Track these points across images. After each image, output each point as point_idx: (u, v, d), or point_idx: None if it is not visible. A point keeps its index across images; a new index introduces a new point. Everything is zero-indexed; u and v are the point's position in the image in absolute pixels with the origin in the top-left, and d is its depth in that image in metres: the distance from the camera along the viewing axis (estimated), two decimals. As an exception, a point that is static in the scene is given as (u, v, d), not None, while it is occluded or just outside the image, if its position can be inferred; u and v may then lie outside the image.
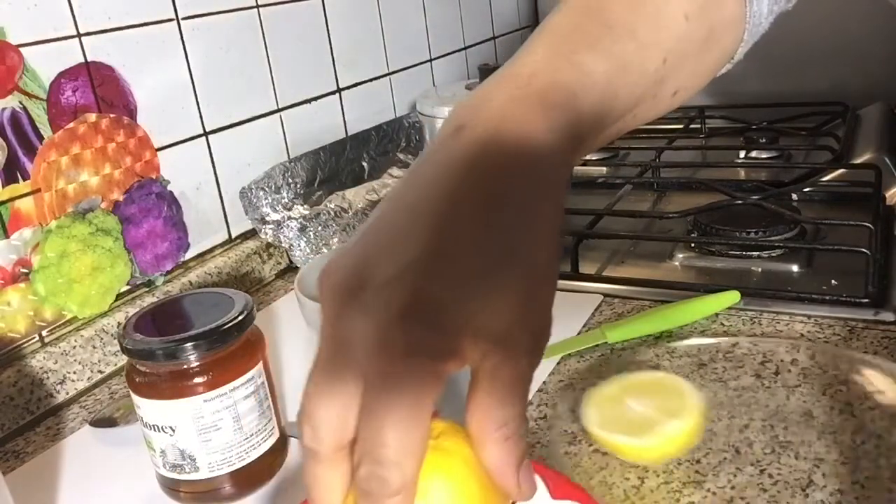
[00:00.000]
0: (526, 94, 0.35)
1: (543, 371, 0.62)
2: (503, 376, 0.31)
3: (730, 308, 0.67)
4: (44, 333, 0.69)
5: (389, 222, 0.33)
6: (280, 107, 0.94)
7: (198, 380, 0.49)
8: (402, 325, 0.30)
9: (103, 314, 0.74)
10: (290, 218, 0.89)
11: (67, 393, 0.69)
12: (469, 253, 0.31)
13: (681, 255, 0.81)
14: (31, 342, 0.69)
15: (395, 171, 1.07)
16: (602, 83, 0.37)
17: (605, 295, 0.74)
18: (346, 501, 0.33)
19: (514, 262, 0.31)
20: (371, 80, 1.09)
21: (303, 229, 0.88)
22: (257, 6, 0.89)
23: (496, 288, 0.31)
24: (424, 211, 0.32)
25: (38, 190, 0.68)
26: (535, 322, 0.33)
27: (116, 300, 0.75)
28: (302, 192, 0.94)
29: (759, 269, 0.78)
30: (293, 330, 0.74)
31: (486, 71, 0.97)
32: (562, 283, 0.76)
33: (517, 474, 0.32)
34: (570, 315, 0.70)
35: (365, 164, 1.04)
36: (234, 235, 0.89)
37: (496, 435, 0.31)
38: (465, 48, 1.32)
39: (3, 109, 0.66)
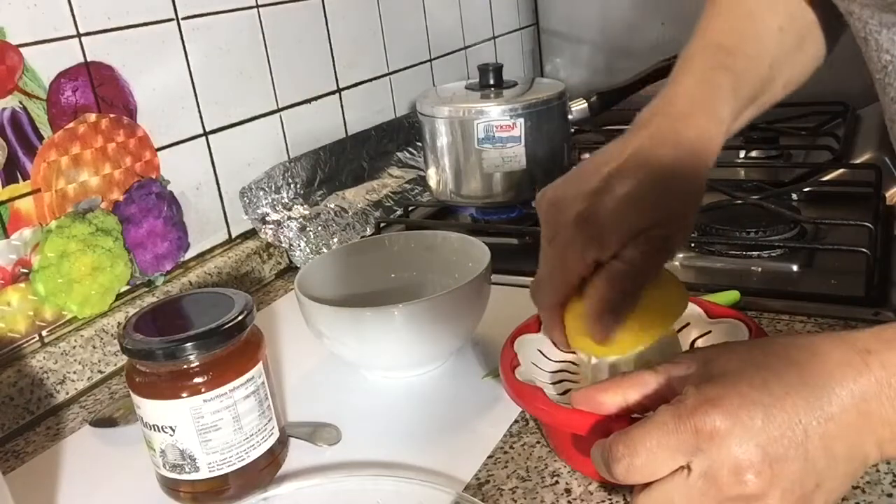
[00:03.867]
0: (682, 116, 0.53)
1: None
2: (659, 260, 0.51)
3: (730, 308, 0.67)
4: (44, 333, 0.69)
5: (586, 168, 0.52)
6: (280, 107, 0.94)
7: (198, 380, 0.49)
8: (584, 222, 0.49)
9: (103, 314, 0.74)
10: (290, 218, 0.89)
11: (67, 393, 0.69)
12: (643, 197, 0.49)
13: (681, 255, 0.81)
14: (31, 342, 0.69)
15: (394, 170, 1.07)
16: (730, 89, 0.55)
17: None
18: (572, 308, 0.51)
19: (667, 208, 0.50)
20: (371, 80, 1.09)
21: (303, 229, 0.88)
22: (257, 6, 0.89)
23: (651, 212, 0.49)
24: (618, 158, 0.51)
25: (38, 190, 0.68)
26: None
27: (116, 300, 0.75)
28: (302, 192, 0.94)
29: (759, 269, 0.78)
30: (293, 330, 0.74)
31: (485, 71, 0.96)
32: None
33: None
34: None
35: (365, 163, 1.04)
36: (234, 235, 0.89)
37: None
38: (465, 48, 1.32)
39: (3, 109, 0.66)
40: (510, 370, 0.52)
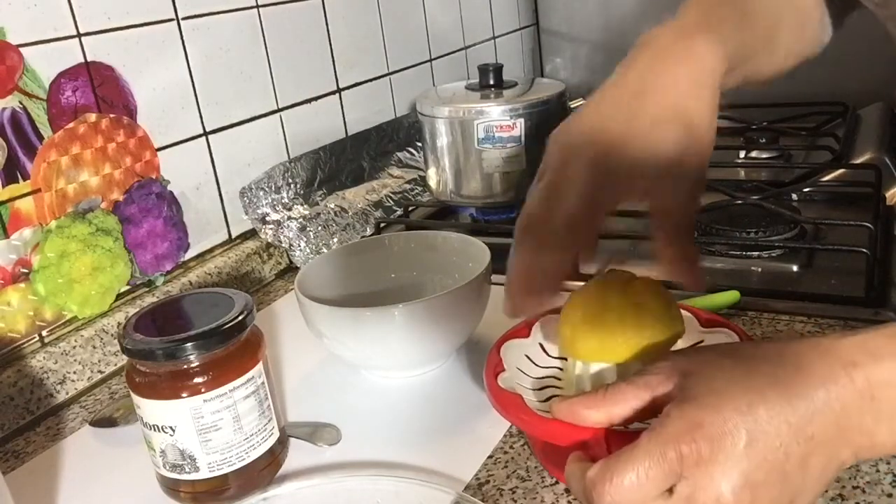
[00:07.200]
0: (686, 31, 0.52)
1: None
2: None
3: (730, 308, 0.67)
4: (44, 333, 0.69)
5: (596, 101, 0.52)
6: (280, 107, 0.94)
7: (198, 380, 0.49)
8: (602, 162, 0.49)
9: (103, 314, 0.74)
10: (290, 218, 0.89)
11: (67, 393, 0.69)
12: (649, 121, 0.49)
13: (681, 255, 0.81)
14: (31, 342, 0.69)
15: (394, 170, 1.07)
16: (733, 28, 0.53)
17: (605, 295, 0.74)
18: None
19: (679, 118, 0.49)
20: (371, 80, 1.09)
21: (303, 229, 0.88)
22: (257, 6, 0.89)
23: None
24: (628, 90, 0.51)
25: (38, 190, 0.68)
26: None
27: (116, 300, 0.75)
28: (302, 192, 0.94)
29: (759, 269, 0.78)
30: (293, 330, 0.74)
31: (485, 71, 0.96)
32: (562, 283, 0.76)
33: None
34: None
35: (365, 163, 1.04)
36: (234, 235, 0.89)
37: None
38: (465, 48, 1.32)
39: (3, 109, 0.66)
40: (493, 376, 0.51)
